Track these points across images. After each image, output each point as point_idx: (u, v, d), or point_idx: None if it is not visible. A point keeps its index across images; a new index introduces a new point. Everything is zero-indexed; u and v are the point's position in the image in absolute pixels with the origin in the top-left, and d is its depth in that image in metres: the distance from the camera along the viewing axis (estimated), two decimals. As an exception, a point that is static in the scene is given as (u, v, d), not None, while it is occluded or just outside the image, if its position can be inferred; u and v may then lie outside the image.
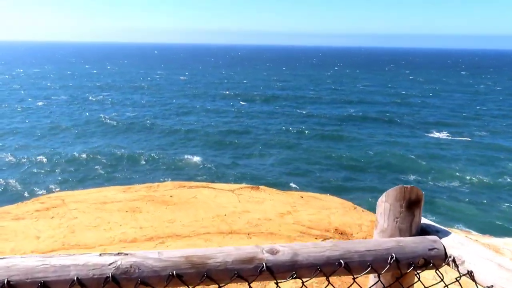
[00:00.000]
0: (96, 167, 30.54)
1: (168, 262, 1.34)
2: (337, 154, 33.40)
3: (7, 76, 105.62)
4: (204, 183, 6.89)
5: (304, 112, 51.74)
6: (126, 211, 5.34)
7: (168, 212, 5.50)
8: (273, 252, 1.47)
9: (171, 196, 6.06)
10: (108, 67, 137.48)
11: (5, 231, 4.62)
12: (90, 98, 66.39)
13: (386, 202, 1.75)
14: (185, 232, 5.00)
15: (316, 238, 5.59)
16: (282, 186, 24.73)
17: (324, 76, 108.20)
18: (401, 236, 1.72)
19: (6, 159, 33.05)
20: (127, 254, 1.32)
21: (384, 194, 1.78)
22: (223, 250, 1.43)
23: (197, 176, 28.00)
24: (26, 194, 25.18)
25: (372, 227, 6.56)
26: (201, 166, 30.97)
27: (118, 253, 1.33)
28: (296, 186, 25.20)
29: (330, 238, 5.69)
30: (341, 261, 1.49)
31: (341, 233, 5.96)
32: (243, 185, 7.21)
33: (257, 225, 5.51)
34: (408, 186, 1.71)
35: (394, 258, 1.55)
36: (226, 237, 5.06)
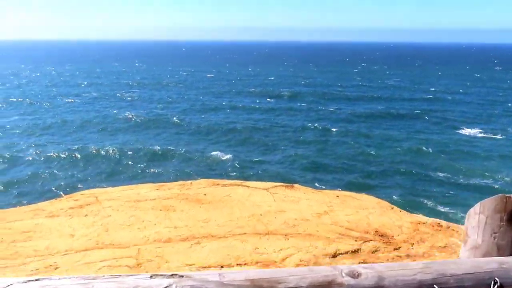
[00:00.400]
0: (127, 163, 30.97)
1: (232, 287, 1.10)
2: (365, 152, 32.66)
3: (38, 74, 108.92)
4: (237, 181, 6.68)
5: (331, 109, 50.98)
6: (160, 210, 5.19)
7: (202, 211, 5.31)
8: (354, 275, 1.21)
9: (205, 195, 5.88)
10: (136, 64, 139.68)
11: (40, 228, 4.53)
12: (118, 95, 67.59)
13: (481, 214, 1.45)
14: (220, 232, 4.80)
15: (356, 240, 5.29)
16: (310, 183, 24.34)
17: (352, 72, 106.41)
18: (499, 254, 1.42)
19: (38, 155, 33.96)
20: (182, 276, 1.09)
21: (478, 204, 1.48)
22: (294, 272, 1.18)
23: (226, 173, 27.96)
24: (57, 190, 25.74)
25: (414, 229, 6.20)
26: (230, 163, 30.90)
27: (172, 275, 1.09)
28: (324, 184, 24.76)
29: (371, 240, 5.37)
30: (435, 286, 1.22)
31: (382, 235, 5.63)
32: (278, 183, 6.96)
33: (294, 226, 5.26)
34: (511, 195, 1.42)
35: (498, 284, 1.26)
36: (263, 238, 4.83)
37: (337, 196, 7.07)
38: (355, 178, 27.15)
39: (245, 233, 4.85)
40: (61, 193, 25.42)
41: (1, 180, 28.95)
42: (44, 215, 4.90)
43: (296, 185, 7.08)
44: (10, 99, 65.39)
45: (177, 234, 4.64)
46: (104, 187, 7.22)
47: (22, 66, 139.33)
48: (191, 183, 6.41)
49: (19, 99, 65.20)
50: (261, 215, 5.44)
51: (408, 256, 5.27)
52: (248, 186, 6.52)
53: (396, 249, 5.39)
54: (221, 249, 4.43)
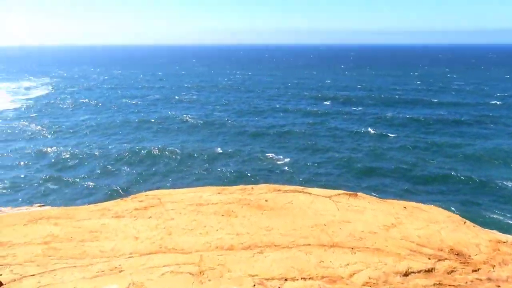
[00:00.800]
0: (187, 163, 31.58)
1: None
2: (424, 158, 30.96)
3: (106, 77, 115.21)
4: (298, 187, 6.40)
5: (389, 114, 49.08)
6: (222, 215, 5.04)
7: (264, 218, 5.09)
8: None
9: (266, 201, 5.66)
10: (196, 68, 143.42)
11: (106, 229, 4.54)
12: (177, 97, 69.72)
13: None
14: (283, 242, 4.55)
15: (429, 258, 4.81)
16: (366, 190, 23.44)
17: (411, 75, 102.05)
18: None
19: (103, 153, 35.72)
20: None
21: None
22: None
23: (282, 176, 27.72)
24: (120, 188, 26.79)
25: (493, 249, 5.56)
26: (286, 166, 30.62)
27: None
28: (381, 191, 23.72)
29: (446, 259, 4.86)
30: None
31: (458, 254, 5.09)
32: (340, 191, 6.59)
33: (361, 239, 4.88)
34: None
35: None
36: (328, 251, 4.51)
37: (404, 208, 6.55)
38: (412, 185, 25.85)
39: (309, 244, 4.56)
40: (120, 190, 26.47)
41: (71, 176, 30.80)
42: (111, 215, 4.92)
43: (360, 194, 6.66)
44: (80, 100, 69.68)
45: (239, 242, 4.45)
46: (167, 188, 7.24)
47: (92, 69, 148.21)
48: (252, 188, 6.22)
49: (88, 100, 69.31)
50: (325, 225, 5.12)
51: (489, 279, 4.69)
52: (310, 193, 6.22)
53: (475, 270, 4.83)
54: (284, 260, 4.19)
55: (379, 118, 46.51)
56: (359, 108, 53.60)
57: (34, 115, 56.58)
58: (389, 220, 5.71)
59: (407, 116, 47.01)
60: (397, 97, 63.33)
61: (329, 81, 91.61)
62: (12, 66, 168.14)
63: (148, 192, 5.84)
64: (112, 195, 24.82)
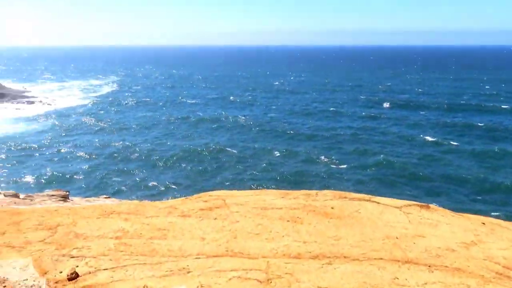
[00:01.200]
0: (247, 164, 31.68)
1: None
2: (494, 169, 28.83)
3: (163, 77, 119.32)
4: (366, 196, 6.08)
5: (451, 120, 46.39)
6: (288, 221, 4.88)
7: (331, 226, 4.87)
8: None
9: (332, 208, 5.42)
10: (253, 69, 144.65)
11: (173, 227, 4.55)
12: (231, 98, 70.64)
13: None
14: (353, 253, 4.30)
15: (517, 283, 4.34)
16: (425, 198, 22.22)
17: (480, 79, 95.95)
18: None
19: (164, 152, 36.92)
20: None
21: None
22: None
23: (341, 182, 27.10)
24: (182, 186, 27.48)
25: None
26: (344, 171, 29.92)
27: None
28: (448, 204, 22.38)
29: (537, 285, 4.36)
30: None
31: (550, 281, 4.54)
32: (411, 201, 6.18)
33: (438, 256, 4.51)
34: None
35: None
36: (403, 267, 4.20)
37: (483, 223, 6.01)
38: (478, 196, 24.17)
39: (381, 258, 4.28)
40: (179, 187, 27.17)
41: (132, 169, 32.15)
42: (177, 214, 4.94)
43: (432, 206, 6.21)
44: (142, 99, 72.76)
45: (306, 250, 4.27)
46: (227, 189, 7.23)
47: (154, 69, 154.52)
48: (316, 194, 6.01)
49: (149, 99, 72.18)
50: (397, 238, 4.79)
51: None
52: (378, 203, 5.89)
53: None
54: (355, 274, 3.94)
55: (441, 125, 44.13)
56: (421, 113, 51.19)
57: (101, 112, 59.95)
58: (468, 237, 5.24)
59: (473, 123, 44.17)
60: (463, 102, 59.78)
61: (389, 84, 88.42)
62: (82, 65, 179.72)
63: (211, 192, 5.82)
64: (171, 192, 25.60)
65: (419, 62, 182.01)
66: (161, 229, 4.51)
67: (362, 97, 68.31)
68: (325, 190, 6.42)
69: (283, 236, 4.54)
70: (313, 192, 6.14)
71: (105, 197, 12.75)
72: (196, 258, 3.98)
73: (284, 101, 66.97)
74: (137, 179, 29.67)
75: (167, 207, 5.19)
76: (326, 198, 5.87)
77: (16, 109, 61.09)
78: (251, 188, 23.75)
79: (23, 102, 65.91)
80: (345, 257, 4.23)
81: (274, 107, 61.42)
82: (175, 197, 23.88)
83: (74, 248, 4.01)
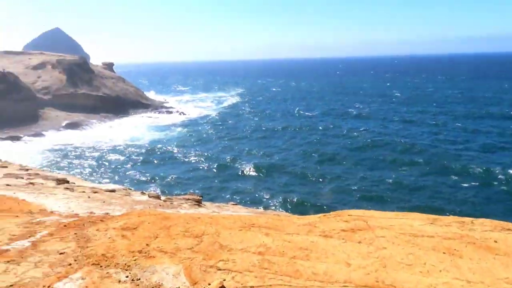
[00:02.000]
0: (386, 186, 29.74)
1: None
2: None
3: (280, 89, 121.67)
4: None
5: None
6: (443, 253, 4.20)
7: (498, 265, 4.03)
8: None
9: (496, 242, 4.53)
10: (388, 84, 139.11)
11: (316, 248, 4.25)
12: (350, 110, 68.56)
13: None
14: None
15: None
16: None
17: None
18: None
19: (283, 160, 37.42)
20: None
21: None
22: None
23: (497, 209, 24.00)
24: (316, 202, 27.06)
25: None
26: (471, 195, 26.53)
27: None
28: None
29: None
30: None
31: None
32: None
33: None
34: None
35: None
36: None
37: None
38: None
39: None
40: (308, 203, 26.95)
41: (260, 178, 33.15)
42: (318, 233, 4.64)
43: None
44: (266, 111, 75.25)
45: (473, 292, 3.57)
46: (365, 208, 6.72)
47: (271, 81, 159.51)
48: (472, 222, 5.14)
49: (271, 111, 74.34)
50: None
51: None
52: (556, 240, 4.77)
53: None
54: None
55: None
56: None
57: (229, 121, 63.69)
58: None
59: None
60: None
61: (489, 94, 77.05)
62: (208, 78, 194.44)
63: (350, 211, 5.39)
64: (308, 207, 25.45)
65: None
66: (303, 248, 4.25)
67: (484, 111, 60.55)
68: (481, 218, 5.48)
69: (440, 271, 3.90)
70: (468, 219, 5.27)
71: (233, 204, 13.18)
72: (343, 286, 3.61)
73: (409, 113, 62.91)
74: (261, 189, 30.49)
75: (306, 224, 4.93)
76: (485, 228, 4.97)
77: (157, 118, 68.81)
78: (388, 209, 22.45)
79: (163, 112, 73.92)
80: (525, 307, 3.42)
81: (396, 118, 58.09)
82: (309, 212, 23.79)
83: (220, 260, 3.99)
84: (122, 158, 41.99)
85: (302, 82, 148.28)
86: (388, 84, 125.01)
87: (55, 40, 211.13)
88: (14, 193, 8.29)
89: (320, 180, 31.19)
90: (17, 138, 50.43)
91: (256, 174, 33.98)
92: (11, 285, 3.22)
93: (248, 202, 25.62)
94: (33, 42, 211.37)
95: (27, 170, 15.38)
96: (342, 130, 51.10)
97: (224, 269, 3.81)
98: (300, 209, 23.90)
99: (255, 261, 3.95)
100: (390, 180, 29.74)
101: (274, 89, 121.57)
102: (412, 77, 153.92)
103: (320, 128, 53.36)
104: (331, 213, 5.52)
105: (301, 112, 69.32)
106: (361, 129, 50.62)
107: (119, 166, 38.86)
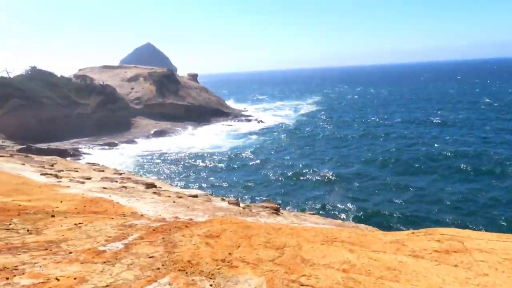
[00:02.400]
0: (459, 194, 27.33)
1: None
2: None
3: (357, 96, 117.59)
4: None
5: None
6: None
7: None
8: None
9: None
10: (477, 89, 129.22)
11: (405, 269, 3.90)
12: (433, 118, 64.04)
13: None
14: None
15: None
16: None
17: None
18: None
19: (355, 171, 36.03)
20: None
21: None
22: None
23: None
24: (404, 220, 25.52)
25: None
26: None
27: None
28: None
29: None
30: None
31: None
32: None
33: None
34: None
35: None
36: None
37: None
38: None
39: None
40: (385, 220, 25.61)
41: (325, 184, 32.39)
42: (407, 252, 4.27)
43: None
44: (342, 118, 73.59)
45: None
46: (458, 227, 6.11)
47: (348, 88, 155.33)
48: None
49: (349, 120, 72.48)
50: None
51: None
52: None
53: None
54: None
55: None
56: None
57: (307, 129, 63.35)
58: None
59: None
60: None
61: None
62: (285, 86, 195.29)
63: (442, 230, 4.90)
64: (380, 219, 24.26)
65: None
66: (390, 268, 3.93)
67: None
68: None
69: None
70: None
71: (310, 213, 12.91)
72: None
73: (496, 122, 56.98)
74: (337, 194, 29.69)
75: (393, 242, 4.57)
76: None
77: (237, 125, 70.84)
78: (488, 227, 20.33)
79: (243, 120, 75.89)
80: None
81: (476, 127, 52.95)
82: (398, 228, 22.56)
83: (302, 275, 3.84)
84: (202, 164, 43.77)
85: (381, 89, 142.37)
86: (477, 90, 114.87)
87: (147, 54, 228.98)
88: (110, 196, 8.98)
89: (400, 191, 29.41)
90: (114, 145, 55.21)
91: (332, 182, 33.15)
92: (107, 286, 3.39)
93: (324, 211, 24.99)
94: (128, 57, 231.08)
95: (120, 174, 16.68)
96: (425, 138, 47.88)
97: (306, 285, 3.66)
98: (377, 221, 22.56)
99: (339, 278, 3.73)
100: (484, 195, 27.00)
101: (350, 97, 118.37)
102: (505, 81, 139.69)
103: (400, 136, 50.60)
104: (420, 230, 5.08)
105: (380, 120, 66.45)
106: (446, 137, 46.96)
107: (200, 172, 40.53)
